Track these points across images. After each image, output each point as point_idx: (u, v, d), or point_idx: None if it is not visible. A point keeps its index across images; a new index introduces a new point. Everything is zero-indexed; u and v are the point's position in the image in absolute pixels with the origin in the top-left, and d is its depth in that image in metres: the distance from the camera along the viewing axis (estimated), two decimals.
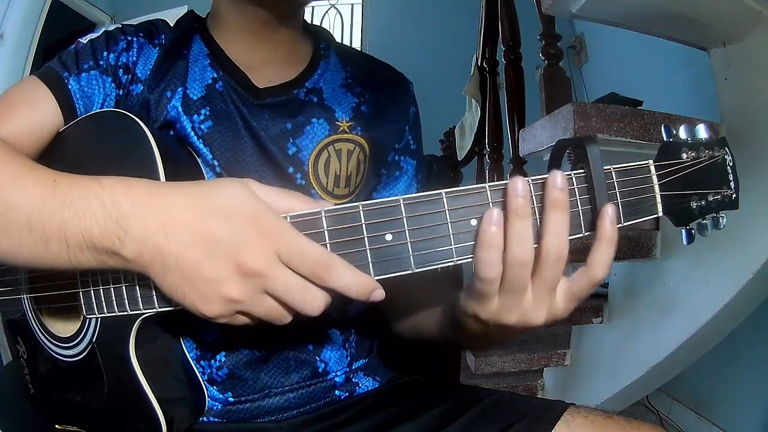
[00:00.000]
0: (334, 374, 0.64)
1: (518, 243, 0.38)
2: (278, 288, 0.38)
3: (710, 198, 0.43)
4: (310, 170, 0.61)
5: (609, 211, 0.39)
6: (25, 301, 0.57)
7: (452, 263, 0.40)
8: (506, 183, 0.40)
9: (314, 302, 0.39)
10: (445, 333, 0.55)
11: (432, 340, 0.61)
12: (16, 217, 0.40)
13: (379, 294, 0.39)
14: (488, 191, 0.40)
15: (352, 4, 3.99)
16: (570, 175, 0.41)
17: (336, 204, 0.40)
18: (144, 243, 0.38)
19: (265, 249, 0.38)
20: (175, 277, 0.39)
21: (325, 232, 0.39)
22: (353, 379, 0.66)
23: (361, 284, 0.39)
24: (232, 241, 0.37)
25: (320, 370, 0.63)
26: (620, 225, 0.41)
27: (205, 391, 0.57)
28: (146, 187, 0.40)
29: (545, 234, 0.38)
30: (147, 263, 0.39)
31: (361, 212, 0.39)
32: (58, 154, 0.55)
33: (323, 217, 0.40)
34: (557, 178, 0.38)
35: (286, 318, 0.40)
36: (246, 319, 0.40)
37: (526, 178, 0.39)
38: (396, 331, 0.67)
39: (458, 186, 0.41)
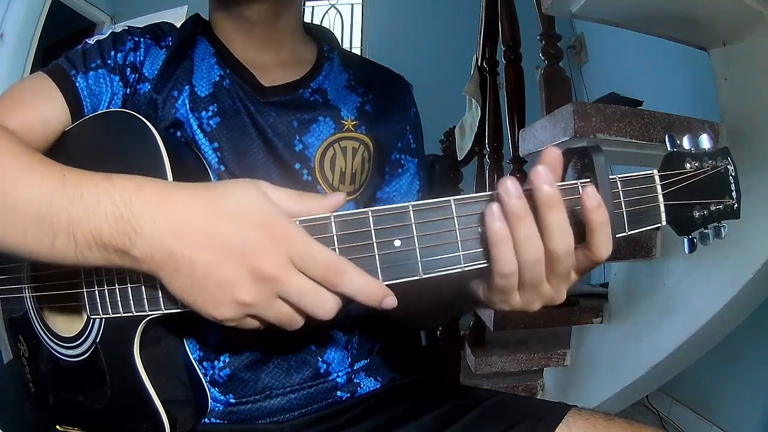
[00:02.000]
0: (335, 375, 0.64)
1: (527, 244, 0.38)
2: (291, 292, 0.38)
3: (713, 207, 0.44)
4: (316, 167, 0.62)
5: (589, 195, 0.38)
6: (28, 299, 0.57)
7: (460, 269, 0.40)
8: None
9: (326, 306, 0.39)
10: (441, 315, 0.57)
11: (419, 322, 0.64)
12: (23, 210, 0.40)
13: (391, 301, 0.40)
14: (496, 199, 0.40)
15: (352, 4, 3.99)
16: (576, 184, 0.41)
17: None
18: (155, 244, 0.38)
19: (277, 254, 0.37)
20: (186, 279, 0.38)
21: (335, 236, 0.40)
22: (355, 380, 0.66)
23: (372, 290, 0.39)
24: (245, 244, 0.37)
25: (322, 371, 0.63)
26: (624, 234, 0.42)
27: (208, 393, 0.57)
28: (158, 188, 0.39)
29: (549, 236, 0.38)
30: (157, 265, 0.39)
31: (371, 218, 0.40)
32: (65, 152, 0.55)
33: (332, 222, 0.40)
34: (540, 176, 0.37)
35: (297, 323, 0.40)
36: (256, 322, 0.40)
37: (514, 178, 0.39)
38: (413, 323, 0.68)
39: (458, 186, 0.41)
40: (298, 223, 0.40)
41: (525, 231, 0.38)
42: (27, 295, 0.57)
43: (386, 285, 0.40)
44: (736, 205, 0.44)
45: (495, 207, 0.38)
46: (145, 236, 0.38)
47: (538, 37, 1.52)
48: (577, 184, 0.41)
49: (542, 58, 1.52)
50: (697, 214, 0.43)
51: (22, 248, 0.41)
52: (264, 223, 0.38)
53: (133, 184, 0.39)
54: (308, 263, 0.38)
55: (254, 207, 0.38)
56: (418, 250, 0.40)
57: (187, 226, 0.38)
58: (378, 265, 0.40)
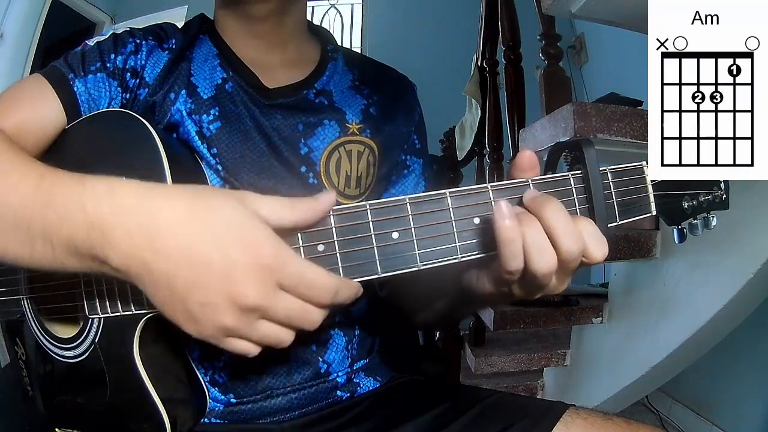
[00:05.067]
0: (335, 375, 0.64)
1: (539, 256, 0.38)
2: (278, 316, 0.37)
3: (702, 198, 0.45)
4: (321, 170, 0.62)
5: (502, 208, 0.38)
6: (24, 301, 0.57)
7: (456, 260, 0.41)
8: (508, 182, 0.42)
9: (314, 320, 0.38)
10: (441, 309, 0.59)
11: (420, 318, 0.66)
12: (2, 212, 0.39)
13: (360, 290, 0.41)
14: (490, 191, 0.41)
15: (352, 4, 3.99)
16: (567, 176, 0.42)
17: (347, 204, 0.41)
18: (130, 257, 0.36)
19: (264, 281, 0.36)
20: (166, 293, 0.37)
21: (333, 229, 0.40)
22: (354, 380, 0.66)
23: (353, 292, 0.40)
24: (228, 268, 0.35)
25: (322, 370, 0.63)
26: (615, 224, 0.43)
27: (207, 392, 0.57)
28: (131, 192, 0.37)
29: (559, 239, 0.38)
30: (135, 277, 0.37)
31: (369, 211, 0.40)
32: (63, 152, 0.55)
33: (331, 216, 0.40)
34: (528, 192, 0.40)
35: (284, 342, 0.39)
36: (238, 344, 0.39)
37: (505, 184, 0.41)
38: (418, 322, 0.69)
39: (459, 185, 0.42)
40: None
41: (535, 236, 0.38)
42: (24, 297, 0.57)
43: (386, 277, 0.41)
44: (724, 196, 0.45)
45: (504, 204, 0.38)
46: (119, 248, 0.36)
47: (538, 37, 1.52)
48: (568, 175, 0.42)
49: (542, 58, 1.52)
50: (686, 204, 0.45)
51: (3, 253, 0.40)
52: (249, 245, 0.36)
53: (104, 187, 0.37)
54: (303, 289, 0.37)
55: (238, 225, 0.36)
56: (415, 241, 0.40)
57: (165, 240, 0.35)
58: (377, 257, 0.40)
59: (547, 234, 0.38)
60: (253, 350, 0.39)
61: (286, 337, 0.39)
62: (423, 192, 0.69)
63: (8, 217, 0.39)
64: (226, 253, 0.35)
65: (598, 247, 0.39)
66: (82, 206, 0.37)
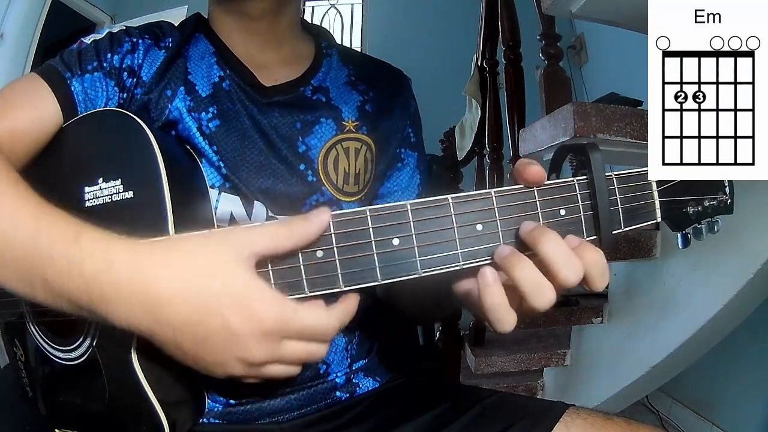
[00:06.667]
0: (334, 375, 0.64)
1: (538, 294, 0.39)
2: (286, 360, 0.40)
3: (706, 203, 0.44)
4: (320, 167, 0.62)
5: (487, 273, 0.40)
6: (23, 302, 0.56)
7: (458, 267, 0.41)
8: (512, 188, 0.41)
9: (321, 355, 0.42)
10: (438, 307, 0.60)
11: (418, 315, 0.68)
12: (2, 248, 0.40)
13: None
14: (494, 197, 0.41)
15: (352, 4, 3.99)
16: (573, 182, 0.42)
17: (347, 202, 0.41)
18: (134, 324, 0.38)
19: (268, 342, 0.38)
20: (175, 351, 0.39)
21: (332, 235, 0.40)
22: (353, 380, 0.66)
23: (352, 314, 0.43)
24: (231, 338, 0.37)
25: (321, 371, 0.63)
26: (620, 230, 0.43)
27: (205, 393, 0.57)
28: (129, 267, 0.37)
29: (558, 272, 0.38)
30: (141, 334, 0.39)
31: (369, 217, 0.40)
32: (59, 151, 0.55)
33: (330, 222, 0.40)
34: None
35: (292, 375, 0.42)
36: (248, 380, 0.42)
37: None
38: (410, 318, 0.69)
39: (459, 186, 0.42)
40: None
41: (530, 276, 0.38)
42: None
43: (386, 284, 0.40)
44: (729, 201, 0.45)
45: (488, 270, 0.39)
46: (121, 317, 0.37)
47: (538, 37, 1.52)
48: (573, 181, 0.42)
49: (542, 58, 1.52)
50: (691, 210, 0.44)
51: (8, 286, 0.41)
52: (250, 315, 0.37)
53: (102, 258, 0.37)
54: (306, 336, 0.40)
55: (238, 295, 0.37)
56: (416, 248, 0.40)
57: (165, 313, 0.37)
58: (377, 264, 0.40)
59: (546, 266, 0.39)
60: (262, 381, 0.42)
61: (294, 371, 0.42)
62: (417, 185, 0.70)
63: (7, 258, 0.40)
64: (227, 324, 0.37)
65: (602, 278, 0.40)
66: (80, 271, 0.37)
